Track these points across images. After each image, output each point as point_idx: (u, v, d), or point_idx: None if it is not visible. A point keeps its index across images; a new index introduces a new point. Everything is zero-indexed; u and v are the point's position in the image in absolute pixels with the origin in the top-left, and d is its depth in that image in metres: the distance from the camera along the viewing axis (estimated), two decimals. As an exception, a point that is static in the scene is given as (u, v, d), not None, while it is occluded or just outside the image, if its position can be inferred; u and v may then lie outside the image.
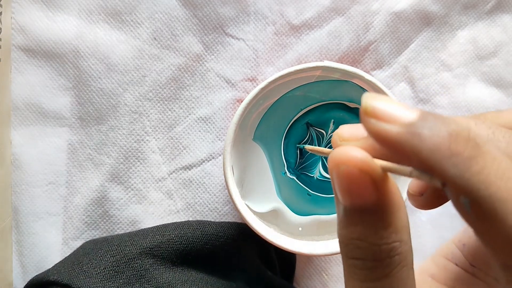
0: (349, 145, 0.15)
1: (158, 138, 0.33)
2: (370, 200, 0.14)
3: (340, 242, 0.16)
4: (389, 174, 0.15)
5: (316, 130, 0.29)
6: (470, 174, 0.12)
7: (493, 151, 0.13)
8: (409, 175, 0.14)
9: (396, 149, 0.13)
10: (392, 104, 0.14)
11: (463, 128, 0.13)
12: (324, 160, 0.30)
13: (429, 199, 0.18)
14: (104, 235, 0.33)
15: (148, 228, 0.31)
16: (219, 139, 0.33)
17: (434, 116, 0.13)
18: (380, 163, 0.14)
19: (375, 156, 0.14)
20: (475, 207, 0.12)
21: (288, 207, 0.29)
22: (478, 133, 0.13)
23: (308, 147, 0.28)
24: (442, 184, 0.13)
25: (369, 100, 0.14)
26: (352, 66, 0.29)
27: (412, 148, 0.13)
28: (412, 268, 0.15)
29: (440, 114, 0.13)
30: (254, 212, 0.29)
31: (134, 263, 0.27)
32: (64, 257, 0.31)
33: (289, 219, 0.29)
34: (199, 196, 0.33)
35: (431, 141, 0.12)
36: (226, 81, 0.33)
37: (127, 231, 0.33)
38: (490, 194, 0.12)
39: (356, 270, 0.15)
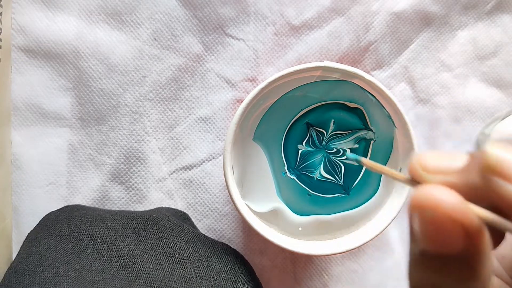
0: (437, 181, 0.13)
1: (159, 138, 0.33)
2: (458, 249, 0.12)
3: (413, 284, 0.14)
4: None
5: (316, 130, 0.29)
6: None
7: None
8: None
9: None
10: None
11: None
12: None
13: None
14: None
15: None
16: (219, 139, 0.33)
17: None
18: (478, 212, 0.12)
19: (468, 196, 0.12)
20: None
21: (288, 207, 0.29)
22: None
23: (367, 162, 0.21)
24: None
25: (495, 152, 0.12)
26: (352, 66, 0.29)
27: None
28: None
29: None
30: (254, 212, 0.29)
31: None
32: None
33: (289, 219, 0.29)
34: (199, 196, 0.33)
35: None
36: (226, 81, 0.33)
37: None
38: None
39: None
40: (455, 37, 0.34)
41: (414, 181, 0.14)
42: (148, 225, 0.28)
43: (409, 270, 0.14)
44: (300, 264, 0.34)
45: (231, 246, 0.33)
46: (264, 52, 0.33)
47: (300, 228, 0.29)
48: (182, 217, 0.31)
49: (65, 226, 0.28)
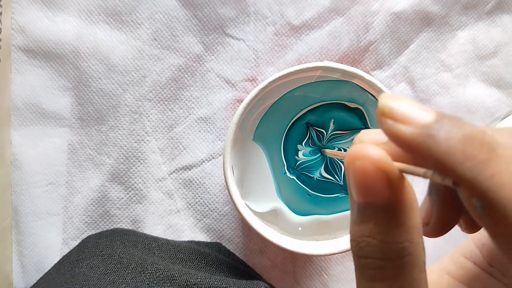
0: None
1: (158, 138, 0.33)
2: (383, 197, 0.14)
3: (351, 241, 0.16)
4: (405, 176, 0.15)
5: (316, 130, 0.29)
6: (484, 178, 0.12)
7: (507, 155, 0.13)
8: (423, 175, 0.14)
9: (411, 150, 0.13)
10: (409, 105, 0.14)
11: (478, 131, 0.13)
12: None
13: (433, 228, 0.18)
14: (104, 235, 0.33)
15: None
16: (219, 139, 0.33)
17: (449, 118, 0.13)
18: (396, 164, 0.14)
19: (394, 160, 0.14)
20: (487, 209, 0.12)
21: (288, 207, 0.29)
22: (492, 137, 0.13)
23: (328, 151, 0.28)
24: (454, 184, 0.13)
25: (386, 101, 0.14)
26: (352, 66, 0.29)
27: (427, 149, 0.13)
28: (425, 270, 0.15)
29: (456, 116, 0.13)
30: (254, 212, 0.29)
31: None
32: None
33: (289, 219, 0.29)
34: (199, 196, 0.33)
35: (446, 144, 0.13)
36: (226, 81, 0.33)
37: (127, 231, 0.33)
38: (502, 197, 0.12)
39: (367, 269, 0.15)
40: (455, 37, 0.34)
41: None
42: (195, 259, 0.30)
43: (350, 229, 0.16)
44: (300, 264, 0.34)
45: (231, 246, 0.33)
46: (264, 52, 0.33)
47: (300, 228, 0.29)
48: (217, 249, 0.33)
49: (107, 248, 0.28)
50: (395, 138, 0.14)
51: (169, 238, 0.33)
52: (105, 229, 0.32)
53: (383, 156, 0.14)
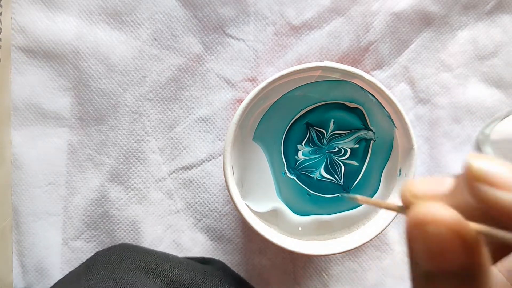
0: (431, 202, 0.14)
1: (158, 138, 0.33)
2: (459, 264, 0.13)
3: None
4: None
5: (316, 130, 0.29)
6: None
7: None
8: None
9: (509, 218, 0.12)
10: (503, 167, 0.12)
11: None
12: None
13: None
14: (104, 235, 0.33)
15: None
16: (219, 139, 0.33)
17: None
18: (474, 226, 0.13)
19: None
20: None
21: (288, 207, 0.29)
22: None
23: (361, 198, 0.20)
24: None
25: (477, 162, 0.12)
26: (352, 66, 0.29)
27: None
28: None
29: None
30: (254, 212, 0.29)
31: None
32: (63, 257, 0.31)
33: (289, 219, 0.29)
34: (199, 196, 0.33)
35: None
36: (226, 82, 0.33)
37: (127, 231, 0.33)
38: None
39: None
40: (455, 37, 0.34)
41: (406, 209, 0.14)
42: (206, 275, 0.29)
43: None
44: (300, 264, 0.34)
45: (231, 246, 0.33)
46: (264, 52, 0.33)
47: (300, 228, 0.29)
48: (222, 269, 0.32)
49: (119, 272, 0.27)
50: (493, 206, 0.12)
51: (169, 239, 0.33)
52: (104, 230, 0.32)
53: (458, 218, 0.12)
